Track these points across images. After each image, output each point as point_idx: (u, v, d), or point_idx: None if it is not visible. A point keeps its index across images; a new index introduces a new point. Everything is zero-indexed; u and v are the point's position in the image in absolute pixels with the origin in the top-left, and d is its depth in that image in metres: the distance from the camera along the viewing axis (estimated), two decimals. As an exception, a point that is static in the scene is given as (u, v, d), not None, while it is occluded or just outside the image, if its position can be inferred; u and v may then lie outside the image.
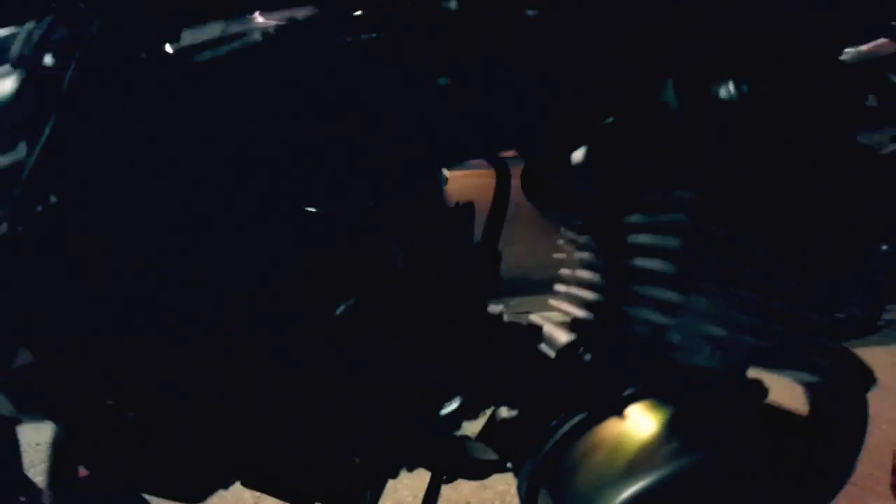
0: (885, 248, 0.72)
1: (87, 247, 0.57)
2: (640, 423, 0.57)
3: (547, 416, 0.61)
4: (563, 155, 0.71)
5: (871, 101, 0.64)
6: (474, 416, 0.64)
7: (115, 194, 0.56)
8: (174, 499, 0.73)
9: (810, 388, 0.69)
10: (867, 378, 0.74)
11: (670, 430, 0.56)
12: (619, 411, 0.58)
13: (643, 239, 0.61)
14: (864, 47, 0.68)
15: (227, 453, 0.67)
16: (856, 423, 0.71)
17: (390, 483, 0.74)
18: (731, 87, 0.58)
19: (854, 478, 0.78)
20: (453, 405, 0.60)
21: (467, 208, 0.62)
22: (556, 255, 0.83)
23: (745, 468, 0.55)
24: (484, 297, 0.63)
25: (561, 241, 0.83)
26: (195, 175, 0.57)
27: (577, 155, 0.70)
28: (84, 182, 0.56)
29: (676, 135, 0.60)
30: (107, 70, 0.55)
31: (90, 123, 0.55)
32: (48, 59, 0.56)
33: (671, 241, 0.58)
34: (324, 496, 0.73)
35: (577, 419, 0.58)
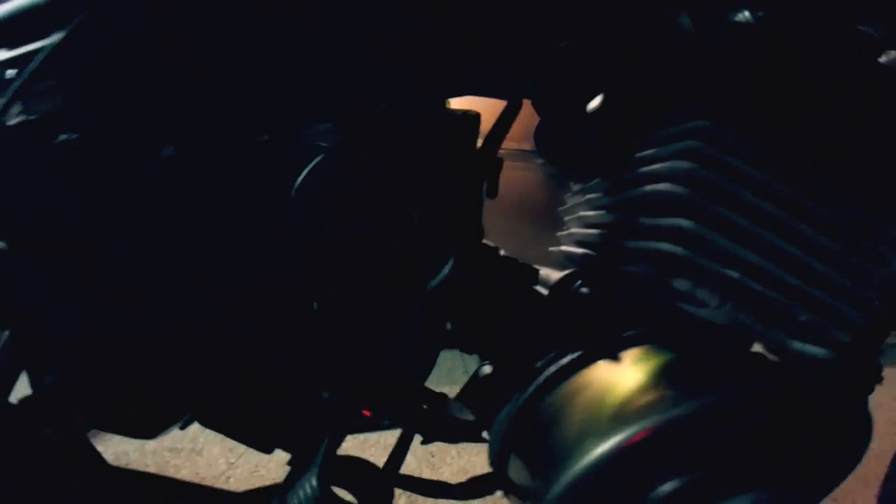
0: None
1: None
2: (635, 368, 0.52)
3: (533, 360, 0.56)
4: (578, 103, 0.68)
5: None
6: (455, 344, 0.59)
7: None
8: (124, 433, 0.70)
9: (811, 367, 0.65)
10: (876, 372, 0.70)
11: (667, 378, 0.51)
12: (613, 354, 0.53)
13: (653, 168, 0.56)
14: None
15: (180, 389, 0.64)
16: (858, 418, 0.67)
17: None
18: (747, 12, 0.55)
19: (834, 493, 0.74)
20: (444, 272, 0.54)
21: (473, 117, 0.57)
22: (560, 209, 0.79)
23: (748, 422, 0.50)
24: (481, 195, 0.59)
25: (567, 195, 0.79)
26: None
27: (593, 103, 0.67)
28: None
29: (692, 60, 0.57)
30: None
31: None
32: None
33: (683, 165, 0.54)
34: (280, 440, 0.70)
35: (566, 359, 0.53)
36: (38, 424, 0.67)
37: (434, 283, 0.55)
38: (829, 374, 0.61)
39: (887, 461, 1.00)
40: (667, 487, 0.48)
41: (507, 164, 0.74)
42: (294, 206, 0.53)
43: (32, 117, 0.55)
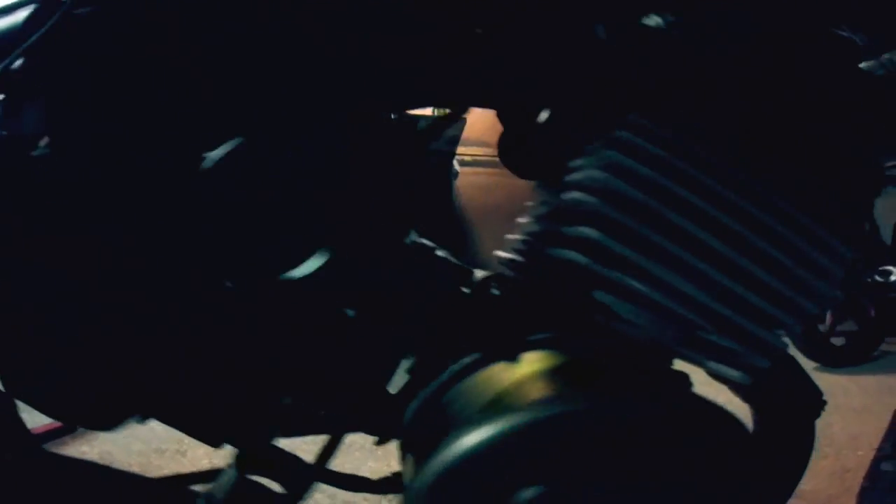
0: (870, 280, 0.67)
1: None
2: (524, 372, 0.50)
3: (442, 358, 0.56)
4: (532, 114, 0.69)
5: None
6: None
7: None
8: (81, 424, 0.71)
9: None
10: (815, 400, 0.68)
11: (549, 384, 0.48)
12: (510, 356, 0.51)
13: (572, 177, 0.56)
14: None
15: (134, 382, 0.64)
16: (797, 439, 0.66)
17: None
18: (658, 17, 0.55)
19: (825, 498, 0.73)
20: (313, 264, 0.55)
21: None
22: (519, 220, 0.79)
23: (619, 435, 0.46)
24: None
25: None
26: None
27: (544, 114, 0.68)
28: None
29: (608, 68, 0.57)
30: None
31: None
32: None
33: (597, 174, 0.53)
34: (229, 436, 0.70)
35: (468, 359, 0.52)
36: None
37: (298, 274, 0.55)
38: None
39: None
40: (527, 493, 0.44)
41: (500, 170, 0.76)
42: (205, 187, 0.54)
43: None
